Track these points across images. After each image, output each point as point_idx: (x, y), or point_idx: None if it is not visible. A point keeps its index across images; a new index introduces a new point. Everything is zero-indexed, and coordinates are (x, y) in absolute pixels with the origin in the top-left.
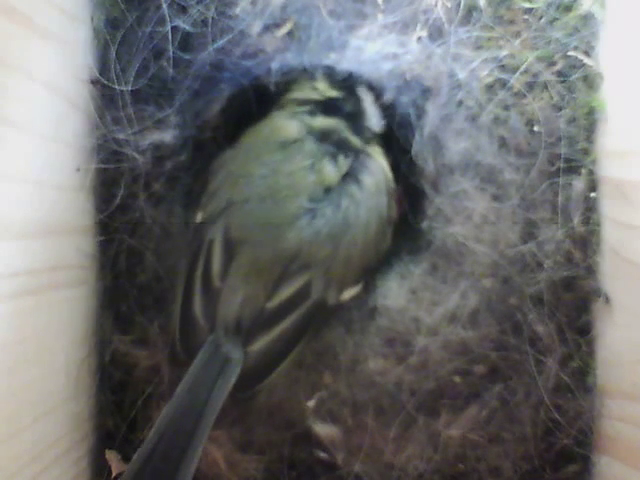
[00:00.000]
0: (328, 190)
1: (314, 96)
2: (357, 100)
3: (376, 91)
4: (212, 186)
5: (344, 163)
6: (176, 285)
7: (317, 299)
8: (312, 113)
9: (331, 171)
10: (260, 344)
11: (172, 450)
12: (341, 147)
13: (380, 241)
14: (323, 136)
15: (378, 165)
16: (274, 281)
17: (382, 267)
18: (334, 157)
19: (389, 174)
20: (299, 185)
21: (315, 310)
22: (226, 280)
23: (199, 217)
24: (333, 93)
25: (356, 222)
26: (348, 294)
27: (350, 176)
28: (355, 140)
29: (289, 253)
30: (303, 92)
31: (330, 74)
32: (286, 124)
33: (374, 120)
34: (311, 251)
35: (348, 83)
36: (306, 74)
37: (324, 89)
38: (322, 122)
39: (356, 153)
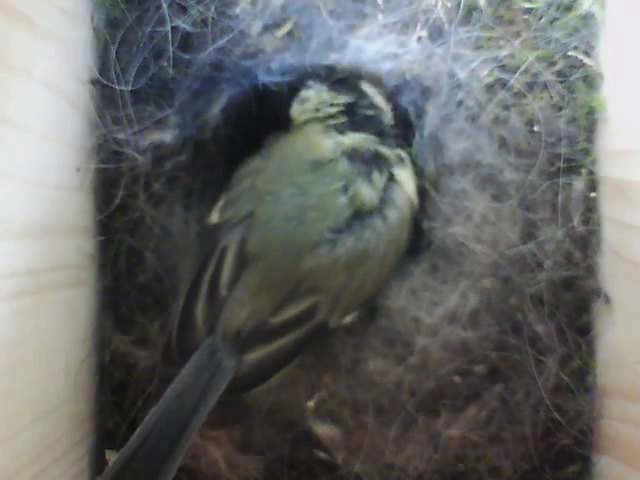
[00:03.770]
0: (356, 214)
1: (332, 110)
2: (366, 96)
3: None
4: (235, 192)
5: (380, 181)
6: (180, 284)
7: (320, 321)
8: (341, 131)
9: (369, 193)
10: (257, 354)
11: (154, 453)
12: (373, 163)
13: (394, 271)
14: (354, 154)
15: (404, 195)
16: (282, 298)
17: None
18: (367, 176)
19: (414, 199)
20: (327, 207)
21: (316, 331)
22: (233, 291)
23: (214, 218)
24: (343, 99)
25: (375, 254)
26: (350, 318)
27: (376, 209)
28: (387, 152)
29: (302, 274)
30: (319, 108)
31: (327, 75)
32: (321, 142)
33: (388, 113)
34: (326, 277)
35: (347, 82)
36: (304, 79)
37: (331, 97)
38: (352, 139)
39: (387, 180)
